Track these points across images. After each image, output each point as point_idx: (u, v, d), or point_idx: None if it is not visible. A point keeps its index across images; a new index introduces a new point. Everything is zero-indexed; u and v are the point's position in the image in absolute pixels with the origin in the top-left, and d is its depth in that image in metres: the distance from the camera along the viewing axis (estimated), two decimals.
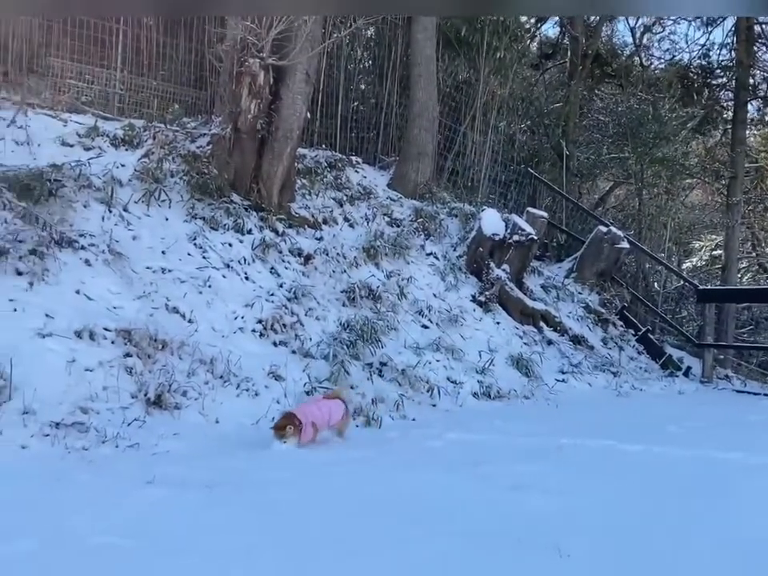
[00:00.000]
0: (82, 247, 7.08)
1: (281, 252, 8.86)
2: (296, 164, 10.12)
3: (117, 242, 7.41)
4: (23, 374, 5.39)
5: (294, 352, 7.45)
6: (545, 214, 12.22)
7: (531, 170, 15.07)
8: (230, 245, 8.46)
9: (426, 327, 9.02)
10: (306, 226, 9.61)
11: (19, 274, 6.45)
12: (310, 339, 7.69)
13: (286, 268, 8.72)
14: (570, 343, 10.53)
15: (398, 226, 10.83)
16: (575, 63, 17.30)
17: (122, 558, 3.19)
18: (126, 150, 8.81)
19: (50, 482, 4.24)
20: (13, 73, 9.34)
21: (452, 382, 8.03)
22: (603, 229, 12.62)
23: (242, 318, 7.55)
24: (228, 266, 8.15)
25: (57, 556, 3.21)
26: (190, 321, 7.07)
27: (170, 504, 3.94)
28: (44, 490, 4.13)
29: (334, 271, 9.03)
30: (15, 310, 6.07)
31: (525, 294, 10.82)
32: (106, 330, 6.31)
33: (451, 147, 13.88)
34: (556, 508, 3.95)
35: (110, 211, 7.76)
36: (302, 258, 9.00)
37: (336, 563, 3.21)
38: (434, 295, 9.77)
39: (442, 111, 13.33)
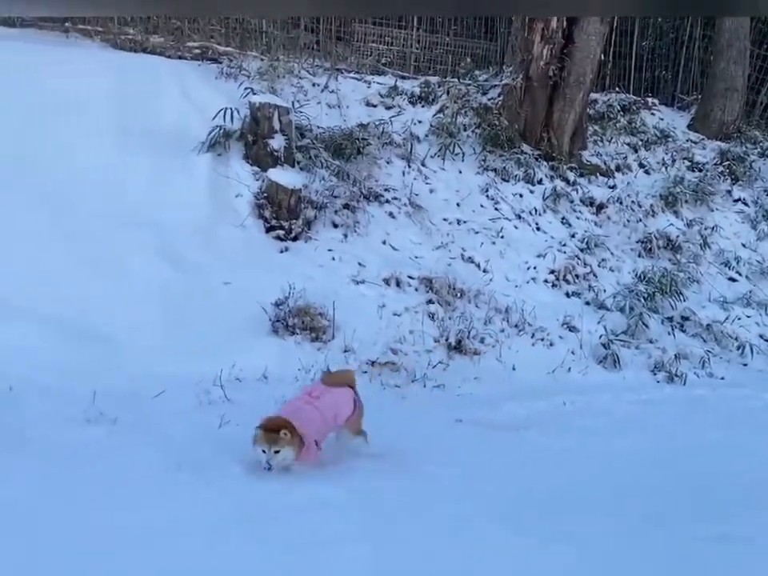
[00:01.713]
0: (387, 201, 7.61)
1: (572, 202, 8.68)
2: (587, 110, 9.76)
3: (416, 195, 7.83)
4: (342, 316, 6.00)
5: (587, 303, 7.32)
6: None
7: None
8: (521, 195, 8.48)
9: (733, 280, 8.27)
10: (598, 174, 9.27)
11: (335, 226, 7.14)
12: (604, 290, 7.48)
13: (578, 218, 8.54)
14: None
15: (700, 171, 9.96)
16: None
17: (446, 483, 3.46)
18: (423, 106, 9.20)
19: (373, 413, 4.70)
20: (323, 42, 10.22)
21: (766, 340, 7.31)
22: None
23: (534, 268, 7.58)
24: (519, 216, 8.20)
25: None
26: (484, 270, 7.28)
27: (479, 441, 4.17)
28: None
29: (628, 220, 8.64)
30: (333, 259, 6.75)
31: None
32: (409, 277, 6.77)
33: (765, 80, 12.33)
34: None
35: (409, 166, 8.19)
36: (594, 208, 8.73)
37: None
38: (743, 245, 8.89)
39: (755, 40, 11.87)
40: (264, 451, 3.59)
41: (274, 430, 3.58)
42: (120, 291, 5.57)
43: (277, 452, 3.57)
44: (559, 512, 3.29)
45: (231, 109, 7.27)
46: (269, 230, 6.75)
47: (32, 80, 6.91)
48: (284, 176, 6.88)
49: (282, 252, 6.66)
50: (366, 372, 5.57)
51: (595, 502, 3.47)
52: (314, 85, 8.79)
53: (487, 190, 8.34)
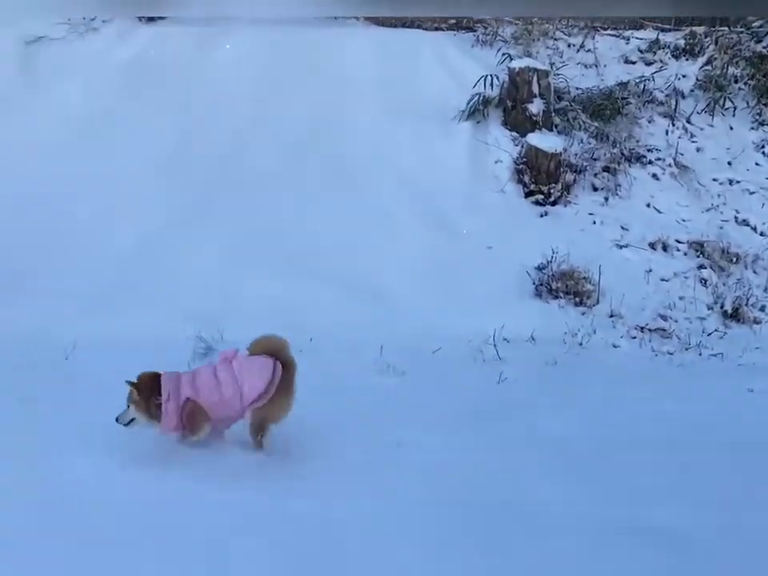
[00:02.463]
0: (649, 162, 7.28)
1: None
2: None
3: (681, 155, 7.39)
4: (607, 281, 5.90)
5: None
6: None
7: None
8: None
9: None
10: None
11: (595, 189, 6.99)
12: None
13: None
14: None
15: None
16: None
17: None
18: (687, 59, 8.59)
19: (638, 382, 4.63)
20: None
21: None
22: None
23: None
24: None
25: None
26: (761, 234, 6.73)
27: None
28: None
29: None
30: (594, 222, 6.64)
31: None
32: (677, 241, 6.46)
33: None
34: None
35: (673, 124, 7.74)
36: None
37: None
38: None
39: None
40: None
41: (133, 384, 3.32)
42: (394, 253, 5.96)
43: (128, 407, 3.34)
44: None
45: (491, 75, 7.36)
46: (528, 194, 6.79)
47: (313, 59, 7.56)
48: (543, 140, 6.86)
49: (541, 216, 6.68)
50: (634, 338, 5.46)
51: None
52: (569, 45, 8.59)
53: (763, 147, 7.65)
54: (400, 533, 2.81)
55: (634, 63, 8.56)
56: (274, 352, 3.38)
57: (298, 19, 7.76)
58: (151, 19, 7.84)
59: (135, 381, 3.31)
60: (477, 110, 7.32)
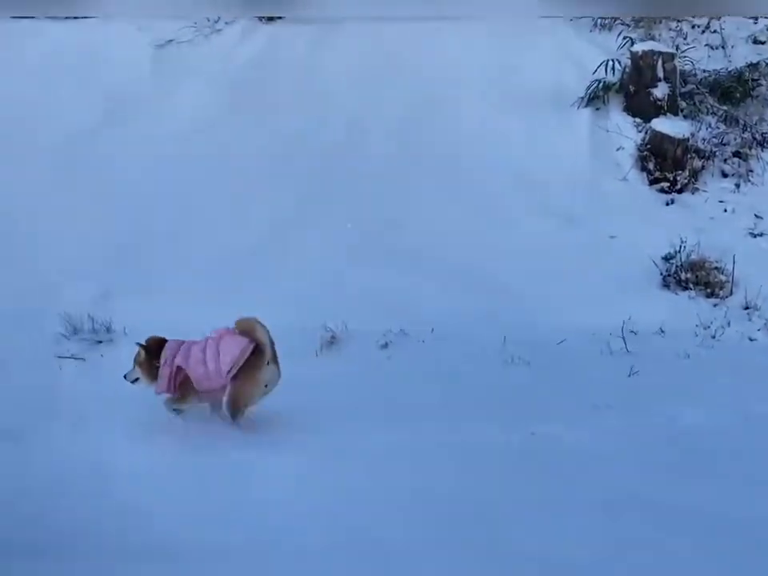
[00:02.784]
0: None
1: None
2: None
3: None
4: (740, 271, 5.61)
5: None
6: None
7: None
8: None
9: None
10: None
11: (725, 176, 6.66)
12: None
13: None
14: None
15: None
16: None
17: None
18: None
19: None
20: None
21: None
22: None
23: None
24: None
25: None
26: None
27: None
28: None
29: None
30: (725, 211, 6.33)
31: None
32: None
33: None
34: None
35: None
36: None
37: None
38: None
39: None
40: None
41: (141, 345, 3.68)
42: (511, 245, 5.88)
43: (134, 367, 3.68)
44: None
45: (612, 60, 7.14)
46: (652, 182, 6.55)
47: (423, 51, 7.58)
48: (669, 125, 6.59)
49: (667, 205, 6.42)
50: None
51: None
52: (693, 27, 8.19)
53: None
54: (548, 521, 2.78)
55: (763, 43, 8.08)
56: (246, 332, 3.56)
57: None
58: (270, 19, 8.06)
59: (143, 343, 3.66)
60: (596, 96, 7.12)
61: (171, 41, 7.75)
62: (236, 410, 3.56)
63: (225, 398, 3.59)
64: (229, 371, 3.48)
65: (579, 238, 6.03)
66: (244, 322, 3.61)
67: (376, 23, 7.92)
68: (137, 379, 3.70)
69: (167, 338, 3.69)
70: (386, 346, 4.88)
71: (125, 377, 3.70)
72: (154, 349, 3.63)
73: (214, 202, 6.17)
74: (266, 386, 3.56)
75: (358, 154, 6.83)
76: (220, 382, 3.53)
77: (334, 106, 7.28)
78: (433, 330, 4.95)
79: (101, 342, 4.85)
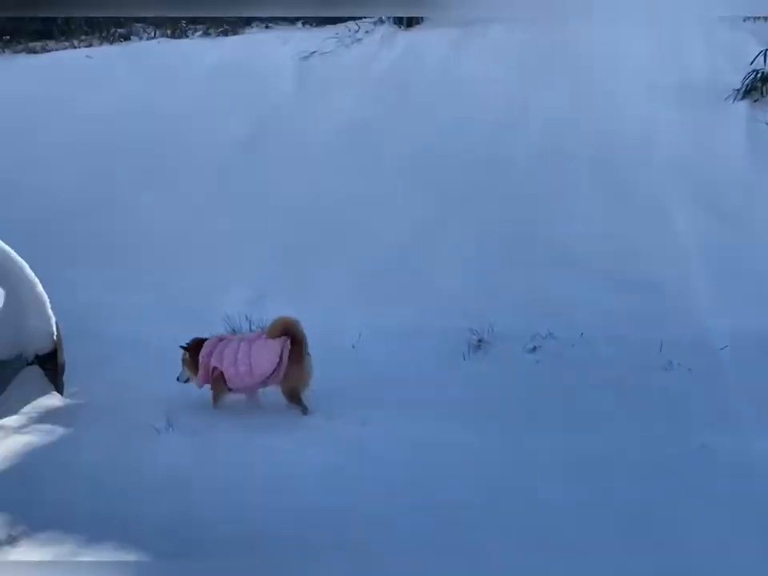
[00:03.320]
0: None
1: None
2: None
3: None
4: None
5: None
6: None
7: None
8: None
9: None
10: None
11: None
12: None
13: None
14: None
15: None
16: None
17: None
18: None
19: None
20: None
21: None
22: None
23: None
24: None
25: None
26: None
27: None
28: None
29: None
30: None
31: None
32: None
33: None
34: None
35: None
36: None
37: None
38: None
39: None
40: None
41: (185, 348, 4.01)
42: (667, 245, 5.63)
43: (183, 368, 4.03)
44: None
45: None
46: None
47: (567, 48, 7.43)
48: None
49: None
50: None
51: None
52: None
53: None
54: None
55: None
56: (287, 330, 3.87)
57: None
58: (409, 25, 8.17)
59: (186, 345, 4.01)
60: (754, 88, 6.68)
61: (314, 52, 8.01)
62: (297, 398, 3.91)
63: (282, 392, 3.92)
64: (273, 374, 3.83)
65: (741, 237, 5.68)
66: (282, 320, 3.92)
67: (517, 23, 7.82)
68: (188, 379, 4.06)
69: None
70: (533, 350, 4.80)
71: (177, 378, 4.06)
72: (195, 349, 3.97)
73: (363, 207, 6.30)
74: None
75: (507, 154, 6.71)
76: (251, 383, 3.89)
77: (476, 110, 7.22)
78: (582, 334, 4.82)
79: None
